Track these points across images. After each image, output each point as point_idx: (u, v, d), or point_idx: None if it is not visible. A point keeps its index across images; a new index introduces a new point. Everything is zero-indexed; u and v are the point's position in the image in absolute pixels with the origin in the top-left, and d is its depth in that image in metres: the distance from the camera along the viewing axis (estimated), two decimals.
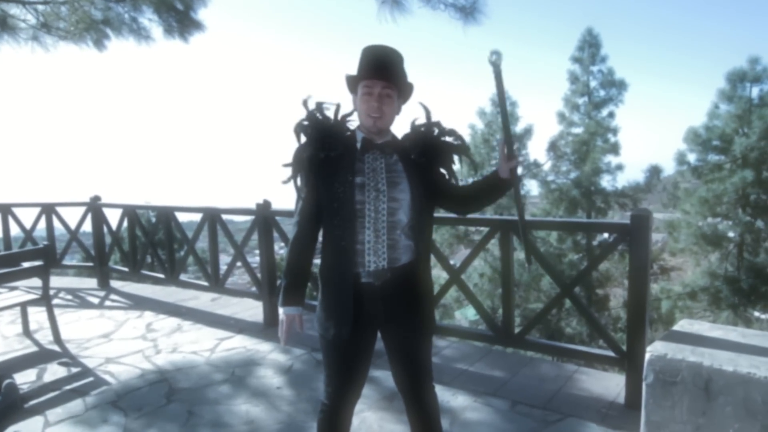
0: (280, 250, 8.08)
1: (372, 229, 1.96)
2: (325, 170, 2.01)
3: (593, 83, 19.01)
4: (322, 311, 2.08)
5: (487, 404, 3.44)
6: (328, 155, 2.03)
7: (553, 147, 18.92)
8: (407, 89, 2.08)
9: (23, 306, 4.86)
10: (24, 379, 3.98)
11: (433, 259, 2.69)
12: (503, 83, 2.06)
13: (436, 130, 2.14)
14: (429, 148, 2.10)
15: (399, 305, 2.02)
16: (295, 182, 2.09)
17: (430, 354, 2.20)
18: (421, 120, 2.16)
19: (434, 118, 2.15)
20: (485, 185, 2.18)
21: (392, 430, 3.12)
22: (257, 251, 5.26)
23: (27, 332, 5.01)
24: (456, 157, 2.18)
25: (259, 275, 5.37)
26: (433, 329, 2.17)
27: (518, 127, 19.13)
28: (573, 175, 18.65)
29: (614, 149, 18.20)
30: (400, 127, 2.15)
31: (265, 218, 5.13)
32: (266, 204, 5.16)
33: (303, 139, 2.08)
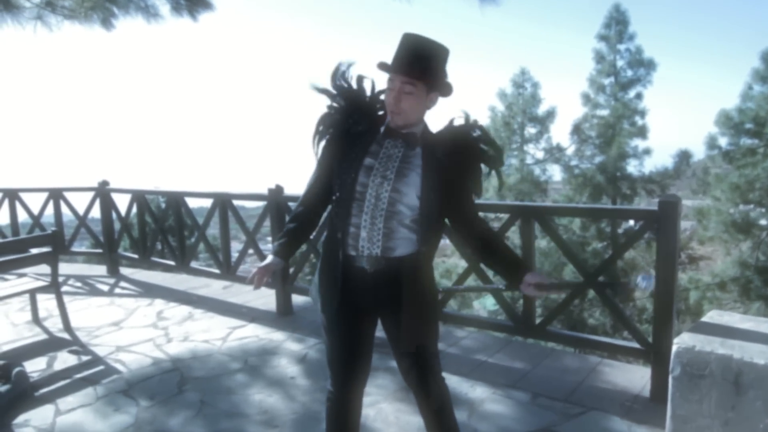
0: None
1: (369, 214, 1.97)
2: (344, 143, 2.05)
3: (620, 63, 18.76)
4: (316, 286, 2.16)
5: (507, 396, 3.46)
6: (351, 129, 2.06)
7: (576, 130, 18.76)
8: (439, 85, 2.00)
9: (32, 293, 4.96)
10: (34, 367, 4.07)
11: (451, 247, 2.70)
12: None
13: (475, 133, 2.10)
14: (459, 151, 2.05)
15: (393, 298, 2.01)
16: (316, 146, 2.13)
17: (434, 348, 2.18)
18: (461, 121, 2.12)
19: (476, 123, 2.12)
20: (499, 262, 2.10)
21: (408, 422, 3.16)
22: (269, 238, 5.31)
23: (36, 320, 5.11)
24: (485, 170, 2.14)
25: None
26: (434, 325, 2.16)
27: (540, 110, 18.98)
28: (598, 159, 18.48)
29: (641, 132, 17.98)
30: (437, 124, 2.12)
31: (277, 204, 5.16)
32: (278, 189, 5.19)
33: (332, 105, 2.10)
